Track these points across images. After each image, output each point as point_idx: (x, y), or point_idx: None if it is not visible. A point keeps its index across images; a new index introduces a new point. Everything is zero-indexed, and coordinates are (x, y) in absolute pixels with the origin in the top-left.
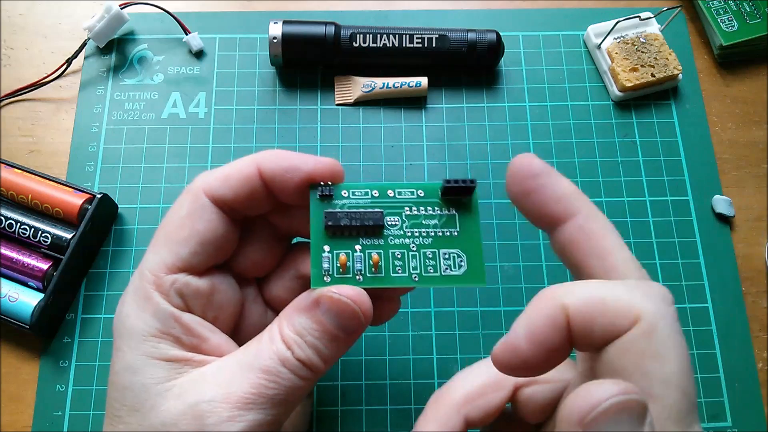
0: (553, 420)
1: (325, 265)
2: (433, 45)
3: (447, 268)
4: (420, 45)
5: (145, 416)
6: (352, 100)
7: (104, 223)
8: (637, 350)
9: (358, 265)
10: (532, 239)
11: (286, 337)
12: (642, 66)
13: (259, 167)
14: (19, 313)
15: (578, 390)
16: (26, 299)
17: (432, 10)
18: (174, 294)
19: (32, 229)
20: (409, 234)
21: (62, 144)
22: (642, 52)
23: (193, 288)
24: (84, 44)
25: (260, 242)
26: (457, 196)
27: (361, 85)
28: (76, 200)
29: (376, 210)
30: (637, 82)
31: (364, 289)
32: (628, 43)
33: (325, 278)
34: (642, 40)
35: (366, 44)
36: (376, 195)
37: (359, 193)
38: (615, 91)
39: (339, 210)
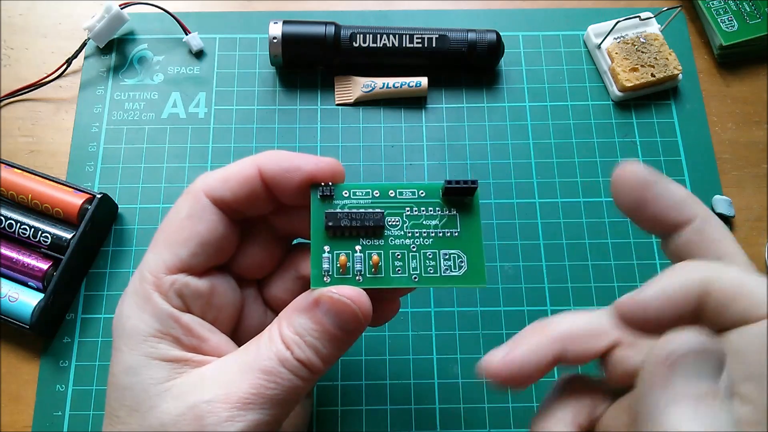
0: (631, 393)
1: (325, 266)
2: (433, 45)
3: (447, 269)
4: (420, 45)
5: (144, 416)
6: (352, 100)
7: (104, 223)
8: (762, 342)
9: (358, 265)
10: (532, 239)
11: (285, 338)
12: (642, 66)
13: (259, 168)
14: (19, 313)
15: (667, 335)
16: (26, 299)
17: (432, 10)
18: (174, 295)
19: (32, 229)
20: (410, 234)
21: (62, 144)
22: (642, 52)
23: (193, 289)
24: (84, 44)
25: (260, 243)
26: (459, 196)
27: (361, 85)
28: (76, 200)
29: (377, 210)
30: (637, 82)
31: (364, 289)
32: (628, 43)
33: (324, 278)
34: (642, 40)
35: (366, 44)
36: (377, 195)
37: (360, 194)
38: (615, 91)
39: (339, 210)
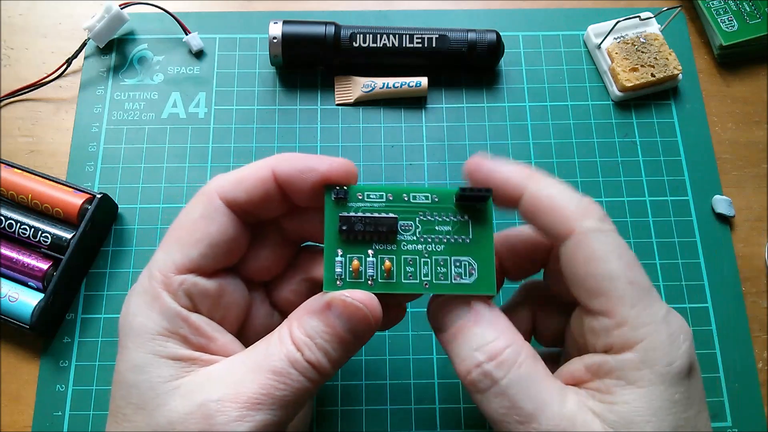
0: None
1: (338, 270)
2: (433, 45)
3: (458, 276)
4: (420, 45)
5: (151, 414)
6: (352, 100)
7: (104, 223)
8: (579, 256)
9: (371, 270)
10: None
11: (296, 339)
12: (642, 66)
13: (274, 170)
14: (19, 313)
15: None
16: (26, 299)
17: (432, 10)
18: (182, 294)
19: (32, 229)
20: (422, 240)
21: (62, 144)
22: (642, 52)
23: (202, 289)
24: (84, 44)
25: (269, 246)
26: (472, 202)
27: (361, 85)
28: (76, 200)
29: (391, 216)
30: (637, 82)
31: (374, 294)
32: (628, 43)
33: (337, 282)
34: (642, 40)
35: (366, 44)
36: (391, 198)
37: (374, 196)
38: (615, 91)
39: (353, 214)
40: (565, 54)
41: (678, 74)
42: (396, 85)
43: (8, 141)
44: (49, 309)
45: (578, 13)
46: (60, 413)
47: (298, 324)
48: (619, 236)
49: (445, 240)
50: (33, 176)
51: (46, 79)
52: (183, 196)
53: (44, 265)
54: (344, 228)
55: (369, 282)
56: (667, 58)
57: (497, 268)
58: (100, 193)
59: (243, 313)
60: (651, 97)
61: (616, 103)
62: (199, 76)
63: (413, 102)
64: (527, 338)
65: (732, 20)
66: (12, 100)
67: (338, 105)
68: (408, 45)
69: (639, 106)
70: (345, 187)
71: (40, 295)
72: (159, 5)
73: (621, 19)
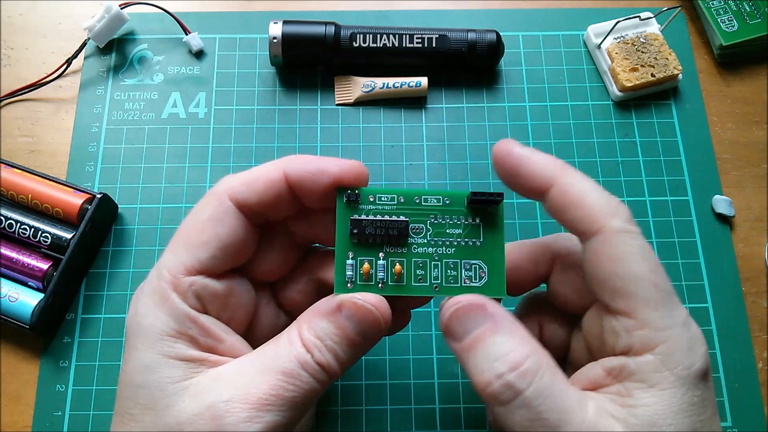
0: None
1: (349, 273)
2: (433, 45)
3: (468, 279)
4: (420, 45)
5: (159, 415)
6: (352, 100)
7: (104, 223)
8: (605, 255)
9: (381, 273)
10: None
11: (306, 341)
12: (642, 66)
13: (285, 171)
14: (19, 313)
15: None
16: (26, 299)
17: (432, 10)
18: (191, 295)
19: (32, 229)
20: (433, 243)
21: (62, 144)
22: (642, 52)
23: (211, 290)
24: (84, 44)
25: (278, 247)
26: (483, 205)
27: (361, 85)
28: (76, 200)
29: (402, 219)
30: (637, 82)
31: (384, 297)
32: (628, 43)
33: (348, 285)
34: (642, 40)
35: (366, 44)
36: (402, 201)
37: (385, 199)
38: (615, 91)
39: (365, 218)
40: (565, 54)
41: (678, 74)
42: (396, 85)
43: (8, 141)
44: (49, 309)
45: (578, 13)
46: (60, 413)
47: (308, 326)
48: (644, 239)
49: (455, 243)
50: (33, 176)
51: (46, 79)
52: (183, 196)
53: (44, 265)
54: (355, 231)
55: (379, 285)
56: (667, 58)
57: None
58: (100, 193)
59: (250, 314)
60: (651, 97)
61: (616, 103)
62: (199, 76)
63: (413, 102)
64: None
65: (732, 20)
66: (12, 100)
67: (338, 105)
68: (408, 45)
69: (639, 106)
70: (357, 190)
71: (40, 295)
72: (159, 5)
73: (621, 19)
